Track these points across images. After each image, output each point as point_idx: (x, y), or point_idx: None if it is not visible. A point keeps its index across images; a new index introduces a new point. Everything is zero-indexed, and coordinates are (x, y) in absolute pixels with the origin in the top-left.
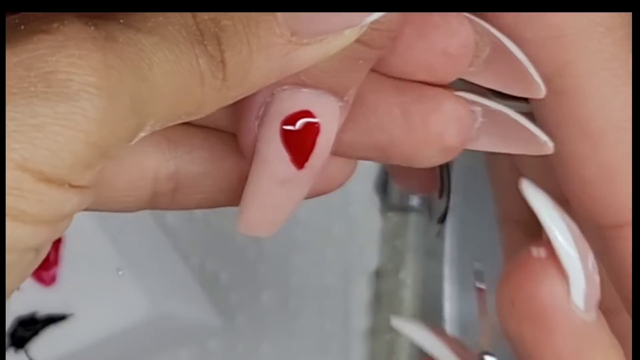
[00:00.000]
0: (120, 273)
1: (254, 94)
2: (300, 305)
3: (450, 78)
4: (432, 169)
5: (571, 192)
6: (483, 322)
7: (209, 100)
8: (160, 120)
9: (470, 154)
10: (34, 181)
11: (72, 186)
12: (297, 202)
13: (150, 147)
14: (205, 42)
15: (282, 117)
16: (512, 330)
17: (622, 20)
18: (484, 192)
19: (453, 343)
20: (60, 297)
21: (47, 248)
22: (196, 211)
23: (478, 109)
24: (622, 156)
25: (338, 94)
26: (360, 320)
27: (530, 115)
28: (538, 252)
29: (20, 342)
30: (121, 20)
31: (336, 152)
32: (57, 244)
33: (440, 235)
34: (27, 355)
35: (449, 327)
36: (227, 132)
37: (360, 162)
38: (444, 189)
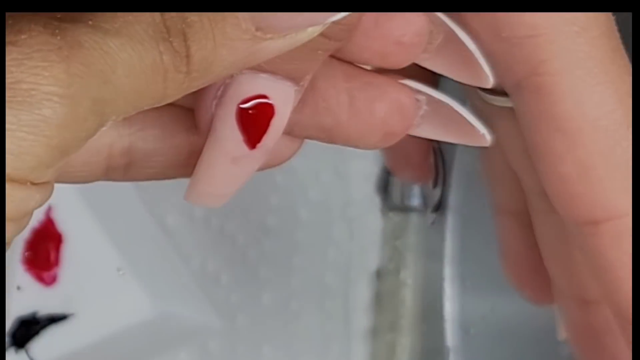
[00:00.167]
0: (120, 273)
1: None
2: (301, 305)
3: (403, 64)
4: (427, 159)
5: (549, 189)
6: None
7: (171, 92)
8: (122, 115)
9: (472, 154)
10: None
11: (34, 184)
12: (248, 177)
13: None
14: (170, 39)
15: (239, 100)
16: None
17: (597, 21)
18: (486, 193)
19: None
20: (61, 297)
21: (10, 245)
22: (197, 212)
23: (422, 97)
24: (598, 154)
25: (294, 79)
26: (361, 320)
27: (510, 110)
28: None
29: (21, 342)
30: (90, 22)
31: (285, 130)
32: (57, 244)
33: (434, 224)
34: (28, 355)
35: (450, 327)
36: (181, 108)
37: (361, 163)
38: (439, 178)
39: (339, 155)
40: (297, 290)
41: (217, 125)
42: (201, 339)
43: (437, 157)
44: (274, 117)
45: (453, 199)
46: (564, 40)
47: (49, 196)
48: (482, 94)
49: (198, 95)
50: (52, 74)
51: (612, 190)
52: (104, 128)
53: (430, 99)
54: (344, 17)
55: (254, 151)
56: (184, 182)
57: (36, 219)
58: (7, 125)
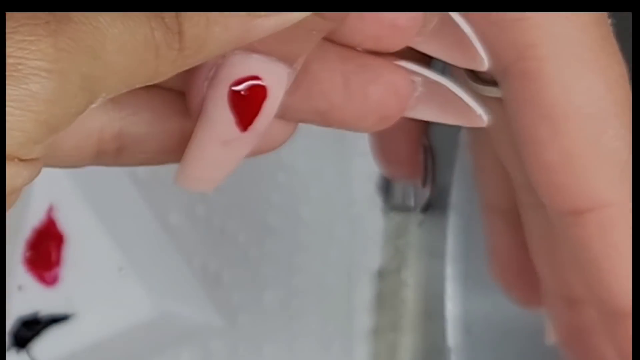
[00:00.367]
0: (122, 273)
1: None
2: (303, 305)
3: (396, 47)
4: (417, 157)
5: (533, 177)
6: None
7: (163, 70)
8: (113, 92)
9: None
10: None
11: (21, 160)
12: (238, 161)
13: (96, 109)
14: (162, 15)
15: (231, 81)
16: None
17: None
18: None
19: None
20: (63, 297)
21: None
22: (199, 211)
23: (418, 78)
24: (583, 142)
25: (288, 61)
26: (363, 320)
27: (500, 101)
28: None
29: (22, 342)
30: None
31: (277, 114)
32: (59, 244)
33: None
34: (29, 356)
35: (452, 327)
36: (172, 92)
37: (363, 162)
38: (428, 177)
39: (340, 154)
40: (299, 290)
41: (208, 107)
42: (203, 338)
43: (427, 155)
44: (267, 99)
45: (454, 199)
46: (553, 25)
47: (37, 173)
48: (472, 83)
49: (189, 76)
50: (39, 48)
51: (597, 179)
52: (94, 105)
53: (426, 81)
54: None
55: (245, 134)
56: None
57: (37, 218)
58: None
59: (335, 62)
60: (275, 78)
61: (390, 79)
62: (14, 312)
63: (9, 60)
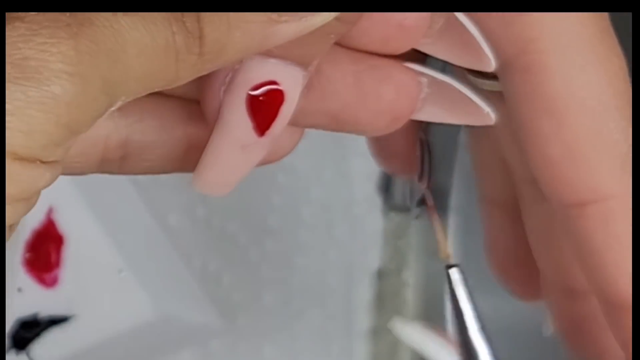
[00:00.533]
0: (121, 274)
1: None
2: (303, 305)
3: (404, 49)
4: (413, 151)
5: (536, 171)
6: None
7: (183, 74)
8: (132, 96)
9: None
10: (9, 162)
11: (43, 162)
12: (253, 166)
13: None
14: (184, 19)
15: (249, 86)
16: None
17: None
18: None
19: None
20: (62, 298)
21: (18, 224)
22: (198, 212)
23: (424, 79)
24: (584, 135)
25: (304, 64)
26: (363, 320)
27: (500, 94)
28: None
29: (22, 343)
30: None
31: (290, 120)
32: (58, 245)
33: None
34: (29, 357)
35: (452, 327)
36: (178, 100)
37: (363, 162)
38: (424, 172)
39: (340, 155)
40: (299, 290)
41: (225, 112)
42: (203, 339)
43: (423, 150)
44: (284, 103)
45: (454, 199)
46: (554, 19)
47: (57, 176)
48: (473, 78)
49: (205, 82)
50: (60, 50)
51: (599, 171)
52: (113, 108)
53: (432, 82)
54: None
55: (263, 138)
56: (185, 182)
57: (37, 220)
58: (15, 103)
59: (346, 63)
60: (292, 82)
61: (402, 78)
62: (14, 314)
63: (30, 63)
